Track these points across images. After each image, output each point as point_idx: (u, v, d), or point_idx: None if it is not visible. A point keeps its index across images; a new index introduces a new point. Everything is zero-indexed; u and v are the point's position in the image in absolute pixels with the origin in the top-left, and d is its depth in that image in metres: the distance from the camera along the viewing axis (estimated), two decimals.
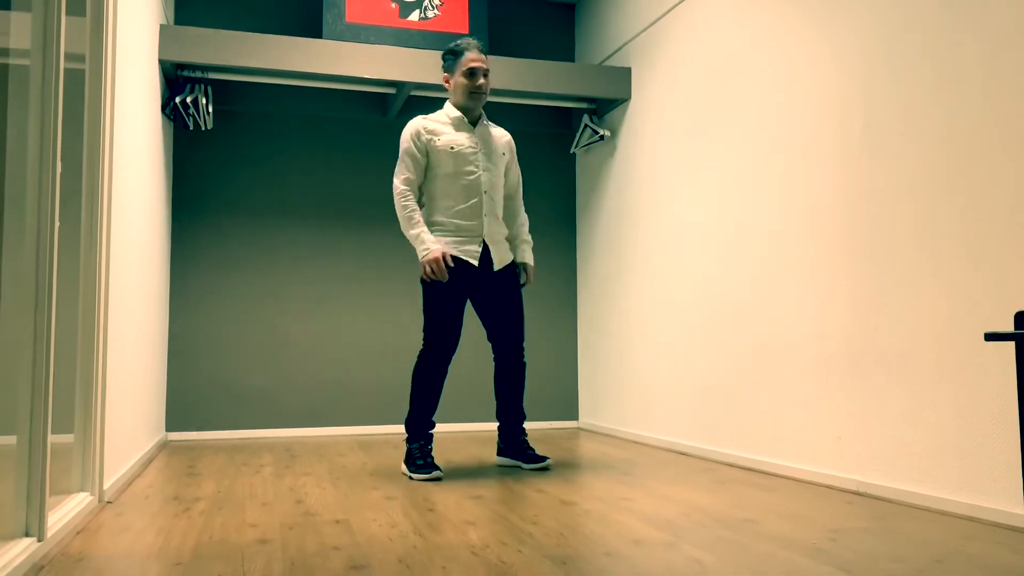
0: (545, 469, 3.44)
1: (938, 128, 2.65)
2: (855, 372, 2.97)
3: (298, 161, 4.98)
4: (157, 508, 2.68)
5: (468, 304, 5.04)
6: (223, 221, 4.83)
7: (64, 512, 2.35)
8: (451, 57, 3.44)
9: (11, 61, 2.25)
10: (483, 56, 3.43)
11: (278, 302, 4.89)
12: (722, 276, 3.78)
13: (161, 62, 4.12)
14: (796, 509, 2.62)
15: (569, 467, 3.52)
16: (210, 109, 4.41)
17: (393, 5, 4.59)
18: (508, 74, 4.59)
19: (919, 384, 2.70)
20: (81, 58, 2.80)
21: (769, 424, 3.42)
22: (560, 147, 5.42)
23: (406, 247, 5.12)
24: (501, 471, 3.43)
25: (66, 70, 2.57)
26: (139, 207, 3.51)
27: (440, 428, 4.99)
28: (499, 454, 3.59)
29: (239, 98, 4.84)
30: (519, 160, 5.29)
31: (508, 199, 3.59)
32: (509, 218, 3.59)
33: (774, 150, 3.45)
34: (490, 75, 3.55)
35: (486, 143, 3.45)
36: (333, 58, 4.33)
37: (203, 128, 4.49)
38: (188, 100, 4.31)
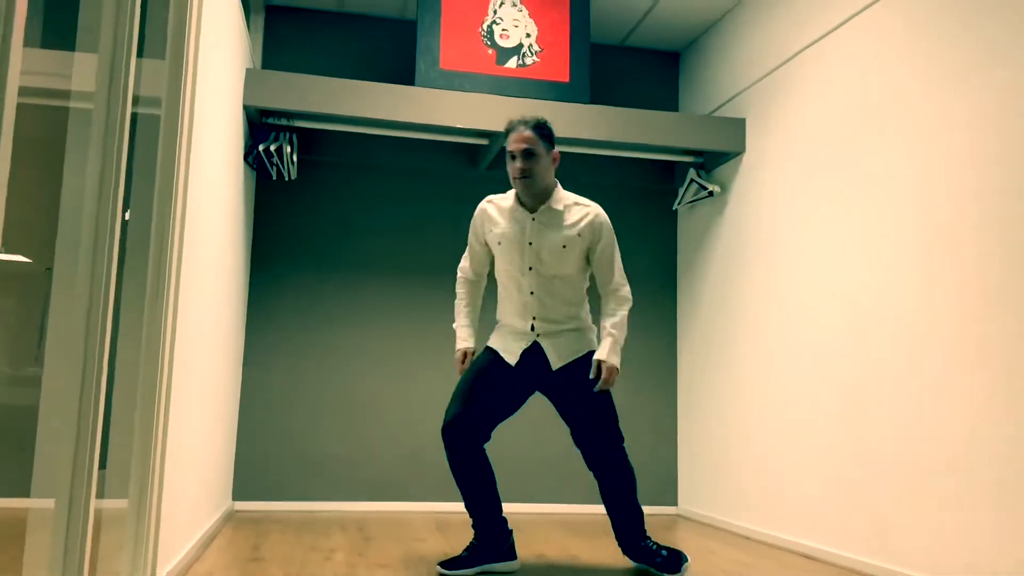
0: (680, 567, 2.94)
1: None
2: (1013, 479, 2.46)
3: (383, 214, 4.71)
4: None
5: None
6: (303, 275, 4.57)
7: None
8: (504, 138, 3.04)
9: (74, 104, 2.01)
10: (526, 134, 2.90)
11: (357, 363, 4.58)
12: (851, 354, 3.30)
13: (246, 108, 3.91)
14: None
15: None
16: (295, 158, 4.18)
17: (490, 51, 4.32)
18: (609, 124, 4.24)
19: None
20: (157, 102, 2.57)
21: (920, 529, 2.90)
22: (661, 204, 5.02)
23: (494, 310, 4.76)
24: (608, 573, 2.99)
25: (141, 115, 2.34)
26: (214, 257, 3.25)
27: (529, 509, 4.55)
28: (626, 554, 3.06)
29: (325, 147, 4.62)
30: (617, 222, 4.91)
31: (601, 291, 3.05)
32: (602, 314, 3.04)
33: (909, 218, 2.99)
34: (539, 153, 2.90)
35: (541, 235, 2.97)
36: (424, 106, 4.06)
37: (287, 178, 4.26)
38: (272, 148, 4.09)
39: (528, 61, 4.35)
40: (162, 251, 2.46)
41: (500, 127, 4.11)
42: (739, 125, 4.31)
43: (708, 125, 4.36)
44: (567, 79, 4.39)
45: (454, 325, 3.20)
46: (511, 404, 3.03)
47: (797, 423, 3.68)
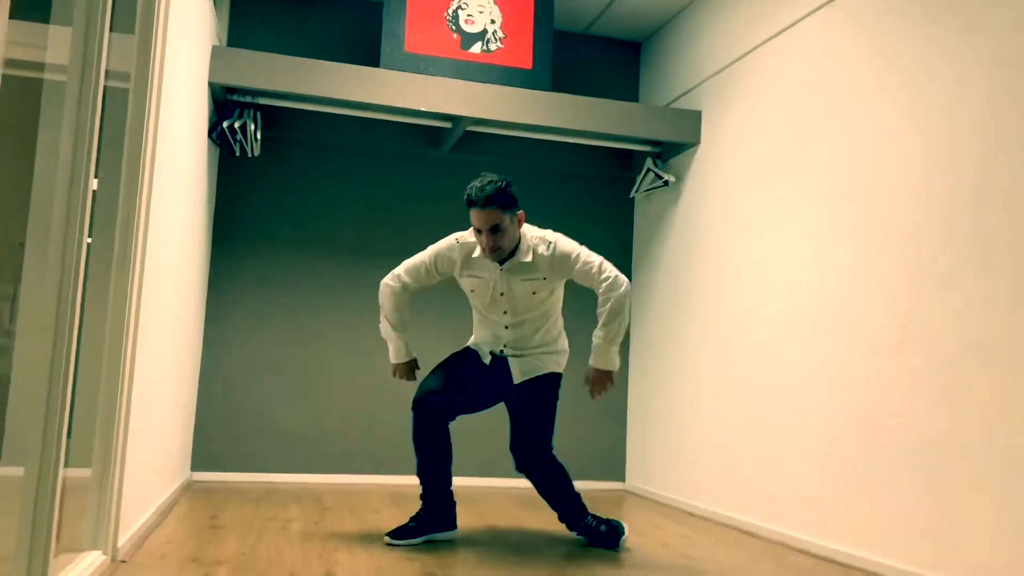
0: (618, 541, 3.12)
1: None
2: (956, 457, 2.63)
3: (346, 193, 4.77)
4: (174, 573, 2.41)
5: None
6: (265, 252, 4.62)
7: None
8: (465, 203, 3.03)
9: (48, 76, 2.06)
10: (488, 212, 2.90)
11: (317, 340, 4.65)
12: (803, 340, 3.47)
13: (211, 85, 3.94)
14: None
15: (626, 546, 3.20)
16: (258, 136, 4.22)
17: (455, 36, 4.39)
18: (570, 112, 4.35)
19: None
20: (126, 76, 2.61)
21: (849, 509, 3.08)
22: (619, 191, 5.15)
23: (454, 290, 4.87)
24: (550, 543, 3.13)
25: (109, 88, 2.39)
26: (177, 231, 3.30)
27: (478, 483, 4.68)
28: (569, 529, 3.23)
29: (289, 125, 4.66)
30: (576, 209, 5.03)
31: (590, 285, 3.09)
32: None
33: (861, 208, 3.15)
34: (505, 223, 2.93)
35: (511, 286, 3.07)
36: (389, 88, 4.12)
37: (250, 155, 4.30)
38: (236, 125, 4.13)
39: (492, 47, 4.43)
40: (129, 225, 2.51)
41: (464, 111, 4.19)
42: (695, 117, 4.44)
43: (666, 116, 4.48)
44: (530, 66, 4.48)
45: (385, 335, 3.23)
46: (480, 400, 3.20)
47: (742, 405, 3.84)
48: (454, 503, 3.14)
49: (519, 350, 3.17)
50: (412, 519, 3.06)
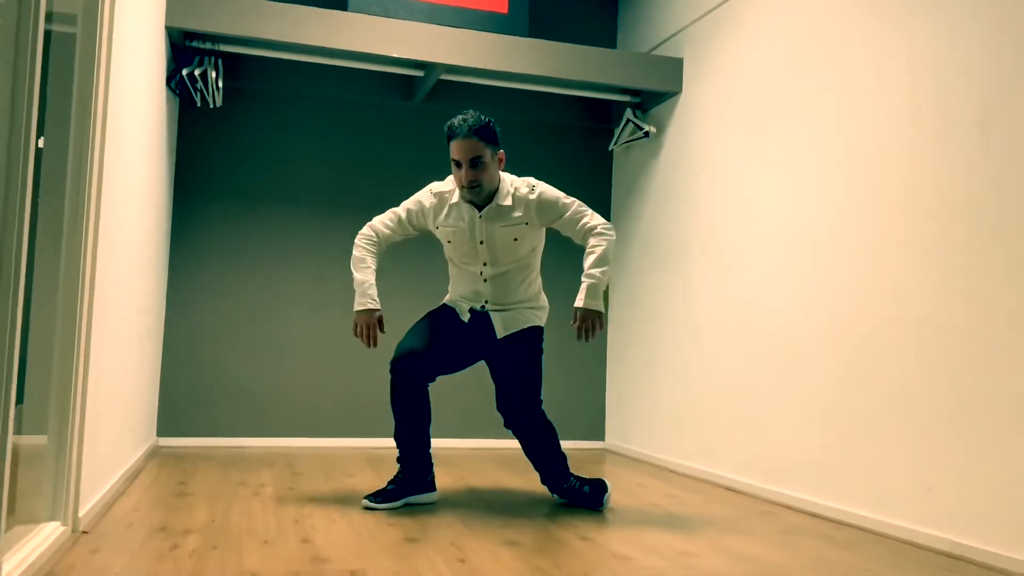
0: (602, 498, 3.01)
1: None
2: (953, 413, 2.56)
3: (313, 146, 4.57)
4: (140, 543, 2.28)
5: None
6: (229, 208, 4.42)
7: (27, 553, 1.95)
8: (445, 139, 2.91)
9: None
10: (470, 142, 2.81)
11: (285, 300, 4.48)
12: (787, 293, 3.37)
13: (168, 29, 3.71)
14: None
15: (610, 504, 3.11)
16: (220, 84, 4.00)
17: None
18: (545, 60, 4.17)
19: None
20: (72, 19, 2.40)
21: (840, 466, 3.01)
22: (597, 143, 5.00)
23: (427, 244, 4.71)
24: (532, 505, 3.03)
25: (55, 33, 2.19)
26: (135, 187, 3.11)
27: (459, 444, 4.57)
28: (552, 492, 3.11)
29: (252, 74, 4.43)
30: (553, 161, 4.87)
31: (577, 239, 3.01)
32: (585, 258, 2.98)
33: (847, 156, 3.04)
34: (487, 158, 2.83)
35: (491, 233, 2.93)
36: (358, 33, 3.91)
37: (212, 105, 4.08)
38: (196, 73, 3.91)
39: None
40: (80, 179, 2.33)
41: (436, 58, 4.00)
42: (676, 65, 4.29)
43: (646, 64, 4.33)
44: (506, 10, 4.29)
45: (358, 276, 2.99)
46: (460, 359, 3.06)
47: (724, 364, 3.75)
48: (432, 465, 3.02)
49: (500, 305, 3.03)
50: (391, 482, 2.95)
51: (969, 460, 2.50)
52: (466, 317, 3.05)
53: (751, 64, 3.70)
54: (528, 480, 3.54)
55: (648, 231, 4.53)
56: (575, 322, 2.86)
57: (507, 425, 3.03)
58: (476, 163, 2.83)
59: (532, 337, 3.04)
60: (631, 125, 4.52)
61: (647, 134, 4.46)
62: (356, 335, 2.95)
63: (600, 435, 4.91)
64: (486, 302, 3.04)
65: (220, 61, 4.02)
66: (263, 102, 4.51)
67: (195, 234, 4.35)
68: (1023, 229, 2.38)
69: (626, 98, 4.57)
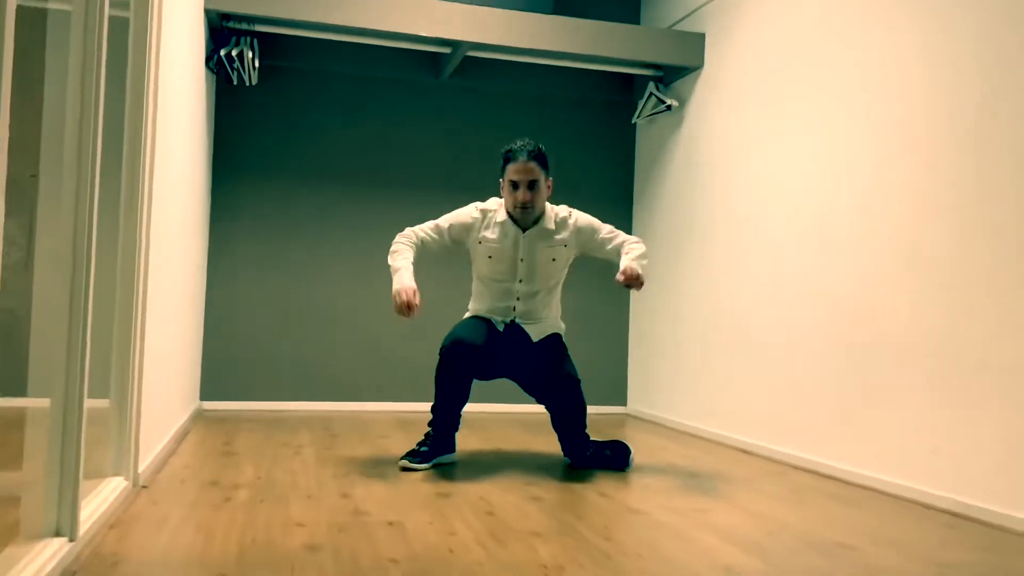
0: (627, 459, 3.17)
1: None
2: (958, 377, 2.69)
3: (345, 122, 4.73)
4: (195, 496, 2.48)
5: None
6: (264, 183, 4.60)
7: (97, 504, 2.16)
8: (502, 160, 3.15)
9: (51, 5, 2.03)
10: (530, 166, 3.07)
11: (320, 270, 4.67)
12: (803, 264, 3.50)
13: (207, 11, 3.87)
14: (892, 533, 2.37)
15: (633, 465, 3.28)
16: (256, 64, 4.16)
17: None
18: (571, 36, 4.28)
19: None
20: (126, 4, 2.57)
21: (850, 427, 3.16)
22: (620, 117, 5.11)
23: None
24: (556, 465, 3.21)
25: (112, 17, 2.35)
26: (181, 166, 3.29)
27: (486, 408, 4.76)
28: (575, 466, 3.24)
29: (286, 53, 4.59)
30: (577, 135, 4.99)
31: (611, 256, 3.24)
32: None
33: (870, 130, 3.15)
34: (541, 183, 3.10)
35: (531, 252, 3.16)
36: (388, 13, 4.05)
37: (248, 83, 4.24)
38: (233, 53, 4.07)
39: None
40: (136, 157, 2.51)
41: (463, 36, 4.13)
42: (699, 40, 4.38)
43: (668, 39, 4.42)
44: None
45: (394, 264, 3.09)
46: (497, 365, 3.21)
47: (742, 331, 3.89)
48: (457, 428, 3.21)
49: (529, 320, 3.23)
50: (423, 443, 3.12)
51: (972, 423, 2.63)
52: (501, 327, 3.22)
53: (771, 39, 3.79)
54: (551, 442, 3.72)
55: (671, 202, 4.65)
56: (623, 275, 2.94)
57: (556, 421, 3.19)
58: (533, 185, 3.09)
59: (560, 340, 3.27)
60: (653, 99, 4.63)
61: (669, 107, 4.57)
62: (397, 312, 2.98)
63: (622, 400, 5.07)
64: (516, 317, 3.22)
65: (256, 41, 4.17)
66: (297, 80, 4.66)
67: (232, 207, 4.54)
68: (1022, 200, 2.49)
69: (649, 72, 4.68)
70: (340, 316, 4.68)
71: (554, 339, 3.26)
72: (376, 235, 4.72)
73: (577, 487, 2.82)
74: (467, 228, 3.21)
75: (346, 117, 4.73)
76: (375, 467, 3.03)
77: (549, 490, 2.75)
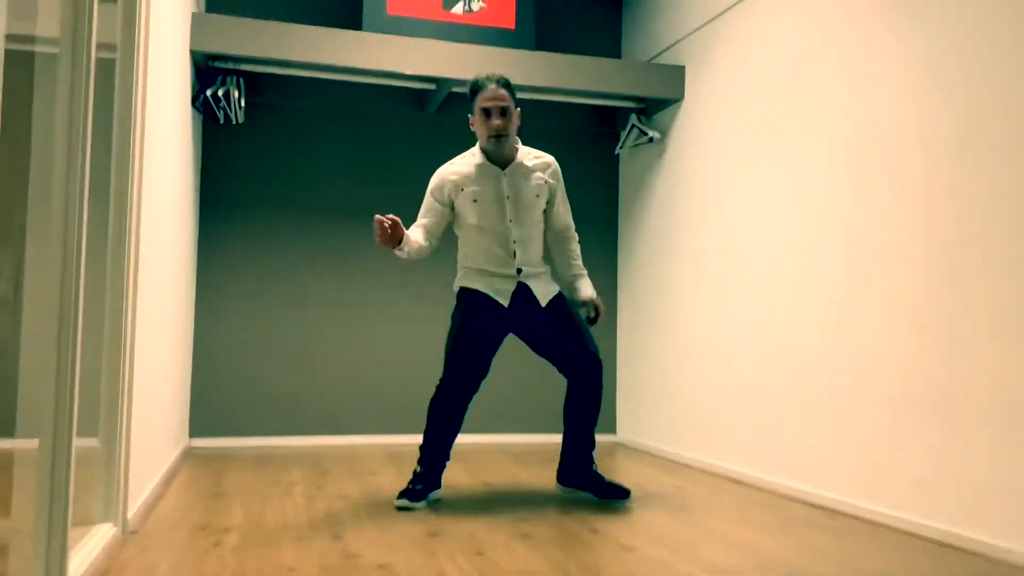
0: (624, 498, 3.15)
1: None
2: (942, 408, 2.73)
3: (332, 158, 4.77)
4: (185, 541, 2.48)
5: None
6: (252, 219, 4.63)
7: (86, 553, 2.15)
8: (470, 95, 3.16)
9: (38, 48, 2.05)
10: (501, 92, 3.09)
11: (308, 304, 4.68)
12: (787, 293, 3.54)
13: (192, 53, 3.91)
14: (880, 566, 2.39)
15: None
16: (242, 103, 4.20)
17: None
18: (554, 71, 4.35)
19: (1021, 428, 2.46)
20: (112, 47, 2.60)
21: (837, 457, 3.18)
22: (603, 147, 5.17)
23: (442, 250, 4.90)
24: (545, 500, 3.22)
25: (97, 59, 2.38)
26: (168, 203, 3.31)
27: (473, 439, 4.77)
28: (562, 482, 3.28)
29: (272, 91, 4.63)
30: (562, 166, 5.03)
31: (557, 234, 3.30)
32: (561, 256, 3.32)
33: (846, 161, 3.20)
34: (511, 110, 3.11)
35: (516, 189, 3.15)
36: (372, 51, 4.10)
37: (234, 122, 4.28)
38: (219, 93, 4.10)
39: (475, 7, 4.40)
40: (123, 197, 2.52)
41: (447, 73, 4.18)
42: (679, 72, 4.45)
43: (649, 72, 4.49)
44: (513, 26, 4.46)
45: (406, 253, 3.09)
46: (499, 343, 3.21)
47: (729, 358, 3.93)
48: (446, 465, 3.23)
49: (531, 267, 3.18)
50: (416, 482, 3.11)
51: (956, 454, 2.66)
52: (507, 302, 3.14)
53: (750, 72, 3.86)
54: (540, 474, 3.73)
55: (655, 231, 4.70)
56: (594, 311, 3.22)
57: (574, 386, 3.18)
58: (505, 112, 3.09)
59: (565, 300, 3.26)
60: (636, 130, 4.69)
61: (651, 139, 4.63)
62: (378, 239, 2.94)
63: (612, 428, 5.09)
64: (519, 269, 3.16)
65: (241, 80, 4.21)
66: (283, 117, 4.70)
67: (220, 243, 4.56)
68: (1012, 233, 2.54)
69: (631, 104, 4.74)
70: (328, 350, 4.69)
71: (559, 301, 3.21)
72: (363, 270, 4.75)
73: (567, 523, 2.83)
74: (445, 186, 3.18)
75: (332, 152, 4.77)
76: (365, 505, 3.04)
77: (538, 526, 2.76)
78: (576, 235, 3.37)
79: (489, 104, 3.08)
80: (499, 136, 3.09)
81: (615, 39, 5.24)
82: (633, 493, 3.35)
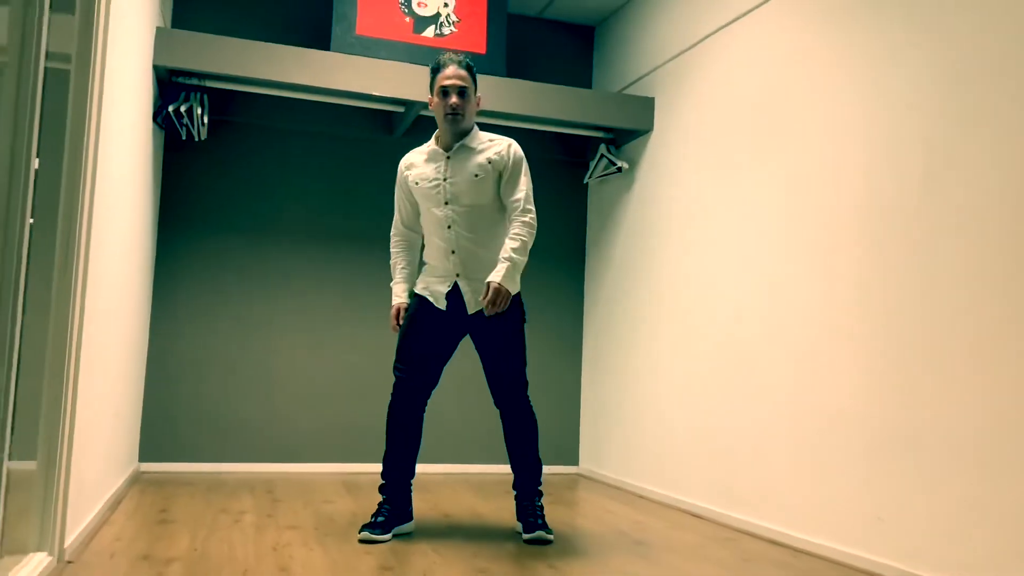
0: (543, 543, 3.00)
1: (1005, 186, 2.41)
2: (905, 447, 2.70)
3: (296, 179, 4.69)
4: (124, 573, 2.37)
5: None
6: (212, 239, 4.52)
7: None
8: (431, 75, 3.11)
9: None
10: (460, 72, 3.02)
11: (265, 327, 4.58)
12: (752, 327, 3.52)
13: (155, 67, 3.83)
14: None
15: (577, 530, 3.23)
16: (205, 119, 4.11)
17: (407, 19, 4.32)
18: (524, 99, 4.32)
19: (982, 469, 2.44)
20: (67, 58, 2.52)
21: (799, 494, 3.15)
22: (572, 176, 5.15)
23: None
24: (503, 532, 3.14)
25: (50, 69, 2.30)
26: (122, 218, 3.21)
27: (435, 469, 4.68)
28: (520, 505, 3.15)
29: (237, 109, 4.55)
30: (535, 193, 5.01)
31: (509, 214, 3.08)
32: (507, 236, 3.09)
33: (815, 194, 3.20)
34: (470, 92, 3.04)
35: (456, 170, 3.05)
36: (340, 72, 4.05)
37: (196, 139, 4.20)
38: (182, 109, 4.02)
39: (445, 31, 4.37)
40: (72, 211, 2.43)
41: (416, 96, 4.14)
42: (648, 104, 4.45)
43: (619, 103, 4.48)
44: (484, 51, 4.44)
45: (392, 284, 3.22)
46: (448, 347, 3.12)
47: (692, 392, 3.89)
48: (411, 495, 3.11)
49: (471, 262, 3.05)
50: (380, 514, 3.00)
51: (918, 493, 2.64)
52: (442, 304, 3.07)
53: (718, 104, 3.86)
54: (499, 506, 3.65)
55: (621, 260, 4.67)
56: (485, 296, 2.91)
57: (496, 401, 3.11)
58: (463, 93, 3.03)
59: (508, 308, 3.04)
60: (605, 160, 4.68)
61: (620, 169, 4.61)
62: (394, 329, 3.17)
63: (574, 460, 5.02)
64: (453, 255, 3.05)
65: (205, 96, 4.13)
66: (247, 135, 4.62)
67: (178, 262, 4.45)
68: (977, 264, 2.54)
69: (600, 134, 4.73)
70: (285, 375, 4.58)
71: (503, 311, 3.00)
72: (325, 294, 4.66)
73: (524, 558, 2.76)
74: (401, 173, 3.18)
75: (297, 173, 4.69)
76: (317, 536, 2.94)
77: (495, 562, 2.68)
78: (529, 212, 3.03)
79: (448, 83, 3.02)
80: (454, 114, 3.02)
81: (586, 69, 5.24)
82: (593, 528, 3.28)
